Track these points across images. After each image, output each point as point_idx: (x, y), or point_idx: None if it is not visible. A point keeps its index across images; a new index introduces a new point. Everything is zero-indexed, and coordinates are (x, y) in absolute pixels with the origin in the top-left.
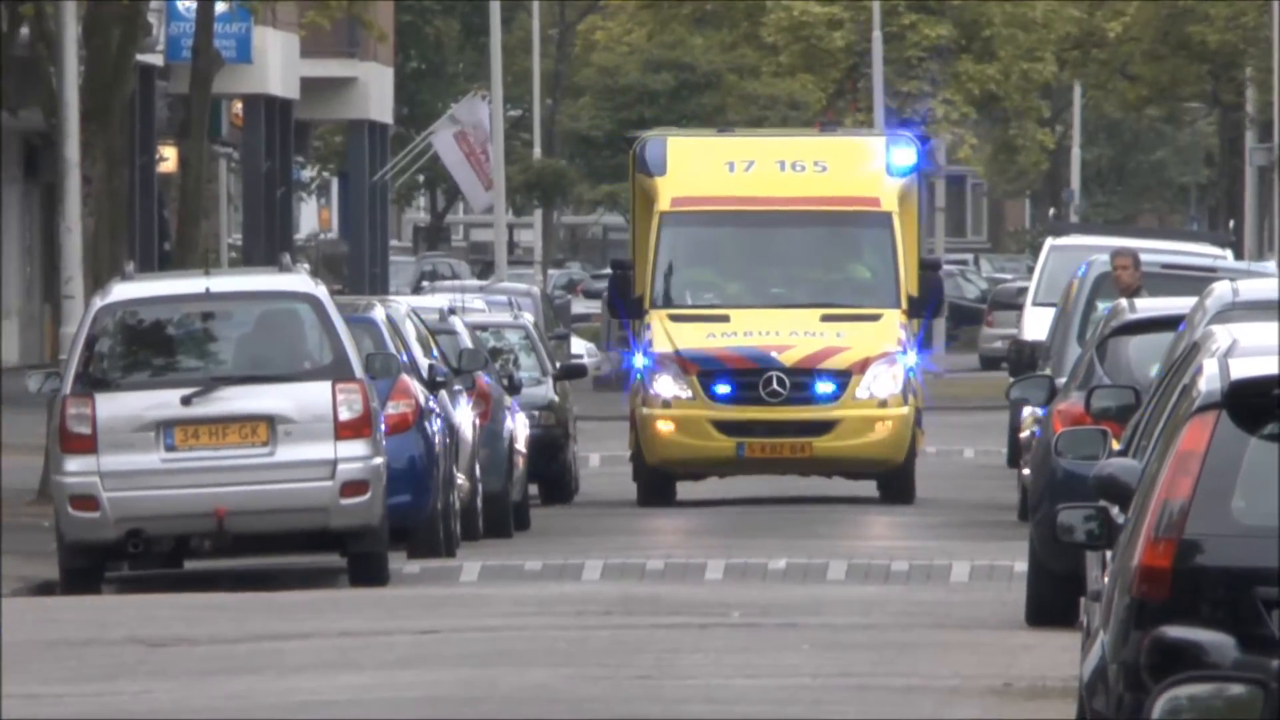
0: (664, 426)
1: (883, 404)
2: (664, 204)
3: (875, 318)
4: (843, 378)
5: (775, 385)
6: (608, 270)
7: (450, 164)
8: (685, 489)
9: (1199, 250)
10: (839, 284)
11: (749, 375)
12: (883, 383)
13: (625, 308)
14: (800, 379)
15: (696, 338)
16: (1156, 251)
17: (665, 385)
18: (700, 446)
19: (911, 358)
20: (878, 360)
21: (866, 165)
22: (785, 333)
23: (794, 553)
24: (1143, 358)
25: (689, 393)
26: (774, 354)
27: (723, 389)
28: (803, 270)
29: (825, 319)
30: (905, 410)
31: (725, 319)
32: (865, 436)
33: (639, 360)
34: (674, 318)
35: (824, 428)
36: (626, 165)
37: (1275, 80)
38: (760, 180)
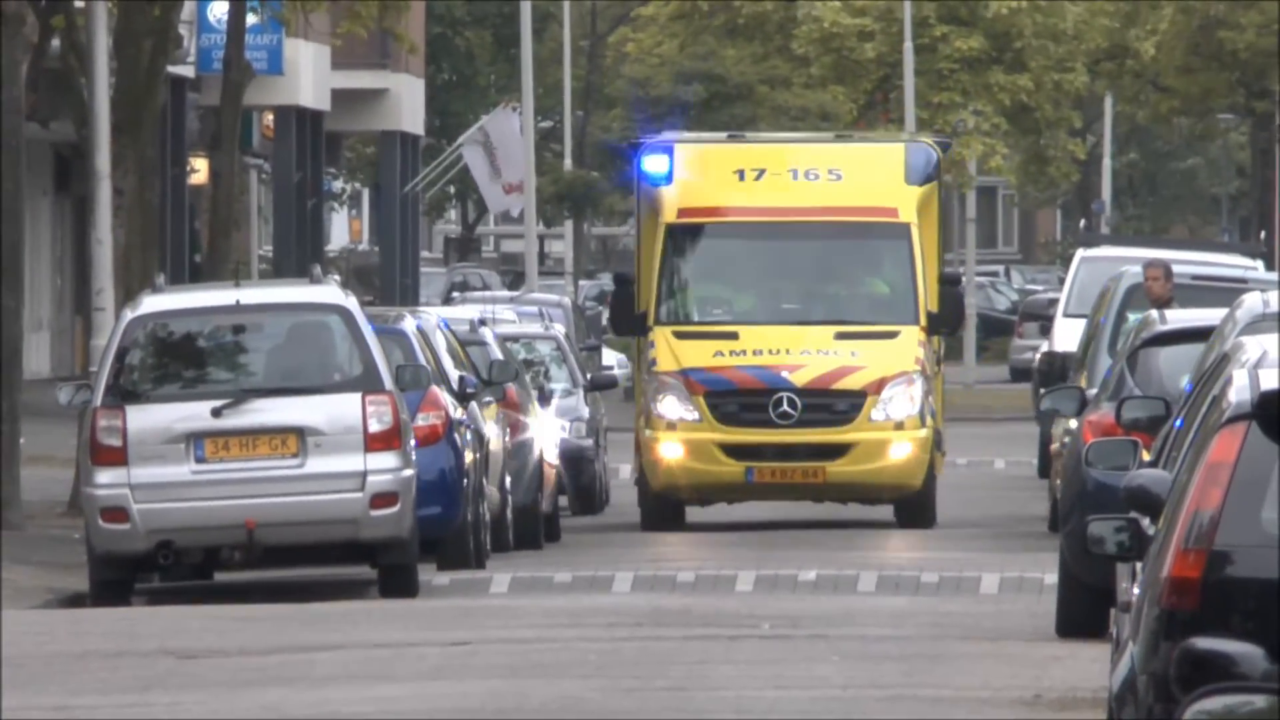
0: (669, 450)
1: (899, 426)
2: (669, 215)
3: (892, 335)
4: (857, 399)
5: (786, 407)
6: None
7: (476, 172)
8: (692, 514)
9: (1230, 261)
10: (854, 299)
11: (758, 396)
12: (900, 404)
13: (628, 324)
14: (812, 400)
15: (703, 356)
16: (1187, 262)
17: (670, 406)
18: (707, 471)
19: (930, 377)
20: (894, 380)
21: (883, 173)
22: (797, 351)
23: (824, 564)
24: (1173, 369)
25: (695, 414)
26: (785, 374)
27: (731, 410)
28: (816, 285)
29: (839, 337)
30: (924, 433)
31: (734, 336)
32: (881, 460)
33: (643, 379)
34: (679, 335)
35: (838, 451)
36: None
37: None
38: (771, 189)
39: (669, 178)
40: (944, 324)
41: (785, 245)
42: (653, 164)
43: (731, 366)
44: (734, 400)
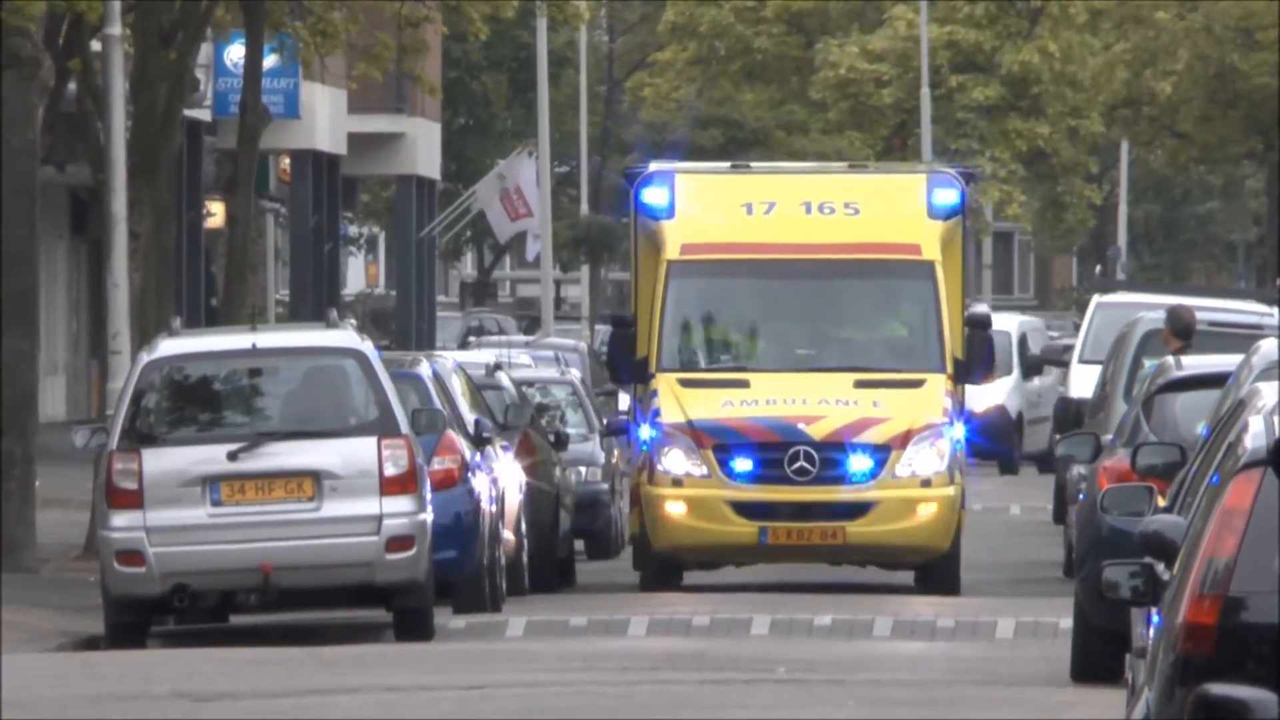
0: (674, 509)
1: (926, 483)
2: (672, 251)
3: (917, 384)
4: (881, 453)
5: (803, 462)
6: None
7: (484, 204)
8: (691, 575)
9: (1246, 308)
10: (875, 344)
11: (772, 450)
12: (926, 459)
13: (627, 371)
14: (831, 455)
15: (711, 406)
16: (1203, 309)
17: (676, 461)
18: (716, 531)
19: (959, 430)
20: (920, 433)
21: (904, 206)
22: (814, 401)
23: (840, 609)
24: (1189, 415)
25: (703, 470)
26: (801, 426)
27: (742, 466)
28: (833, 328)
29: (859, 385)
30: (951, 491)
31: (744, 385)
32: (906, 521)
33: (644, 432)
34: (685, 383)
35: (859, 510)
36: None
37: None
38: (783, 224)
39: (670, 210)
40: (972, 371)
41: (799, 285)
42: (652, 195)
43: (742, 418)
44: (746, 454)
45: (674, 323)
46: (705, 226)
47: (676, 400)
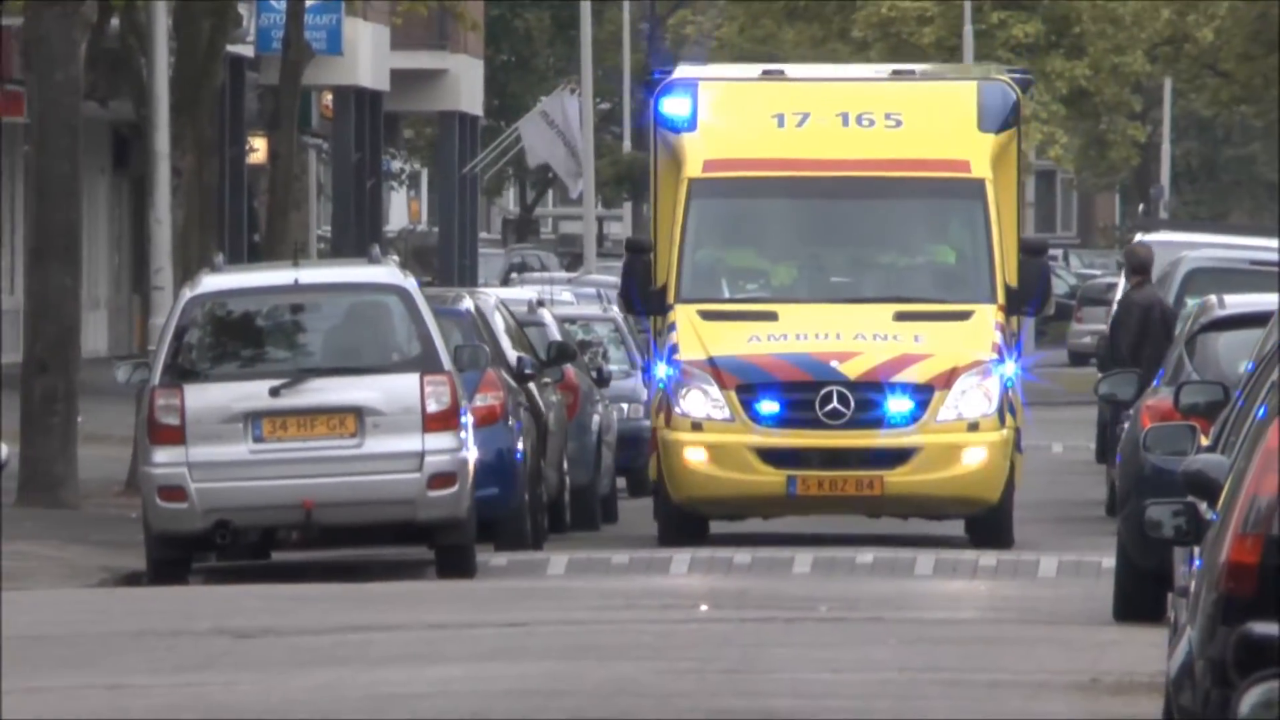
0: (694, 455)
1: (973, 427)
2: (693, 169)
3: (964, 315)
4: (922, 394)
5: (836, 404)
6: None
7: (535, 144)
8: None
9: None
10: (917, 272)
11: (802, 391)
12: (974, 400)
13: (644, 302)
14: (868, 396)
15: (735, 342)
16: (1246, 248)
17: (695, 403)
18: (741, 481)
19: (1010, 367)
20: (967, 371)
21: (953, 118)
22: (849, 335)
23: (881, 547)
24: (1231, 354)
25: (725, 413)
26: (834, 363)
27: (769, 408)
28: (871, 254)
29: (900, 318)
30: (1002, 434)
31: (772, 317)
32: (951, 469)
33: (661, 370)
34: (706, 315)
35: (898, 458)
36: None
37: None
38: (817, 138)
39: (692, 123)
40: (1025, 301)
41: (833, 206)
42: (673, 106)
43: (769, 354)
44: (773, 396)
45: (695, 248)
46: (730, 140)
47: (696, 334)
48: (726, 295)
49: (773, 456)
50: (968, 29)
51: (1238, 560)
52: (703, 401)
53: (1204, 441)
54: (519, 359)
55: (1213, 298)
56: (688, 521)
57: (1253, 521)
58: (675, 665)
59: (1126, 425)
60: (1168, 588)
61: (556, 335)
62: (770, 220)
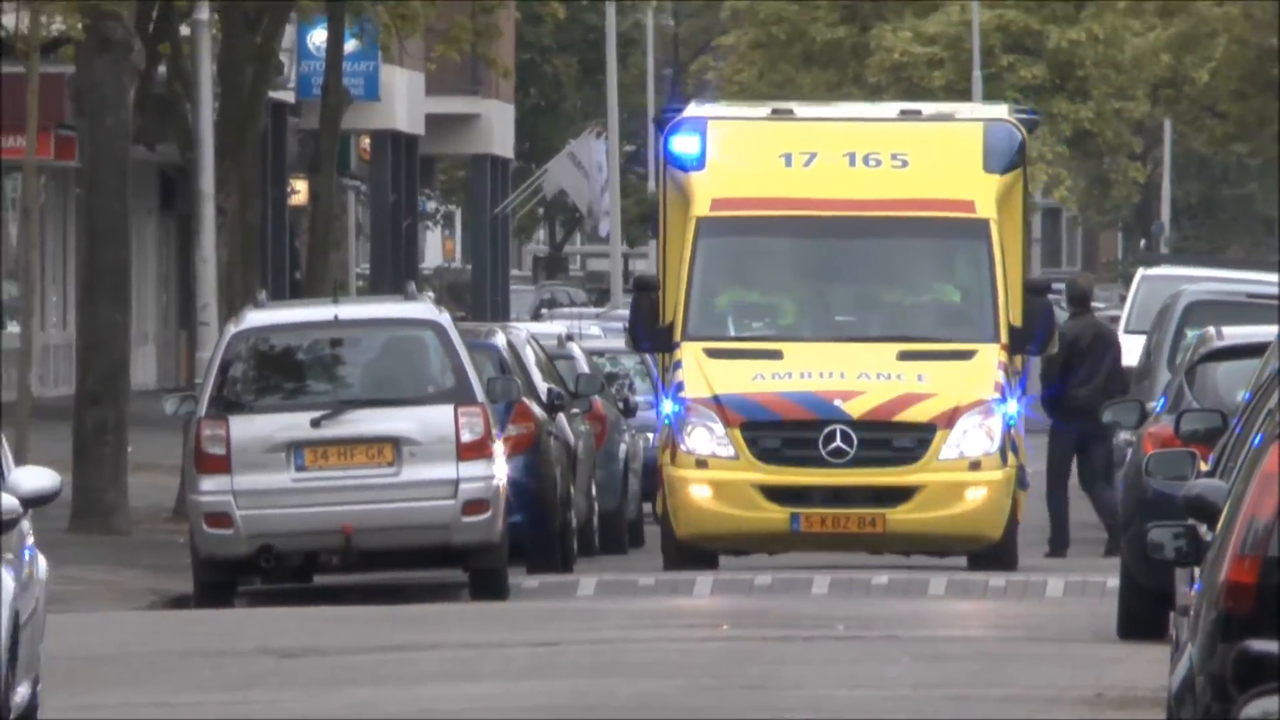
0: (698, 492)
1: (975, 466)
2: (701, 207)
3: (968, 355)
4: (925, 433)
5: (839, 442)
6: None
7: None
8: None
9: None
10: (922, 311)
11: (806, 429)
12: (976, 439)
13: (650, 339)
14: (871, 434)
15: (740, 380)
16: (1244, 281)
17: (700, 440)
18: (744, 518)
19: (1012, 405)
20: (970, 410)
21: (958, 158)
22: (852, 375)
23: (896, 569)
24: (1230, 383)
25: (730, 450)
26: (838, 402)
27: (773, 446)
28: (876, 293)
29: (904, 357)
30: (1004, 473)
31: (777, 355)
32: (953, 507)
33: (667, 406)
34: (711, 353)
35: (901, 496)
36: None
37: None
38: (824, 177)
39: (701, 161)
40: (1029, 340)
41: (839, 245)
42: (682, 144)
43: (774, 393)
44: (777, 434)
45: (702, 286)
46: (738, 179)
47: (702, 372)
48: (732, 333)
49: (776, 494)
50: (976, 74)
51: (1236, 580)
52: (707, 439)
53: (1203, 467)
54: (549, 390)
55: (1211, 329)
56: (693, 558)
57: (1250, 543)
58: (699, 682)
59: (1130, 452)
60: (1169, 607)
61: (585, 368)
62: (777, 259)
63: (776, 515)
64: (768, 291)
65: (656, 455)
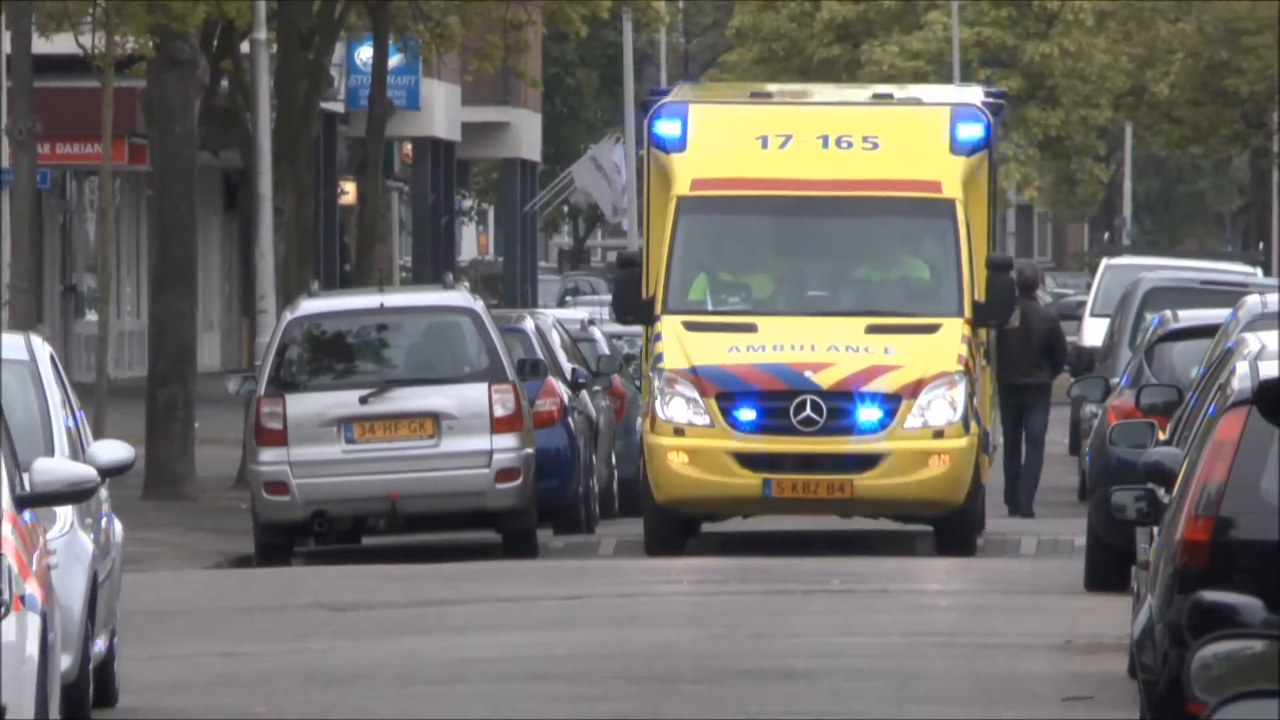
0: (676, 458)
1: (939, 434)
2: (681, 186)
3: (933, 329)
4: (891, 403)
5: (809, 411)
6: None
7: (591, 187)
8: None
9: (1233, 268)
10: (890, 287)
11: (778, 399)
12: (939, 409)
13: (632, 312)
14: (840, 404)
15: (715, 352)
16: (1197, 269)
17: (678, 409)
18: (719, 483)
19: (975, 375)
20: (934, 382)
21: (927, 141)
22: (823, 347)
23: (886, 529)
24: (1185, 361)
25: (706, 419)
26: (808, 373)
27: (746, 415)
28: (846, 269)
29: (871, 330)
30: (965, 441)
31: (751, 329)
32: (917, 473)
33: (648, 376)
34: (690, 326)
35: (868, 462)
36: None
37: None
38: (798, 159)
39: (682, 143)
40: (992, 315)
41: (812, 223)
42: (665, 127)
43: (748, 364)
44: (750, 403)
45: (681, 262)
46: (717, 160)
47: (680, 344)
48: (709, 308)
49: (749, 460)
50: (956, 84)
51: (1191, 538)
52: (684, 408)
53: (1161, 436)
54: (573, 370)
55: (1169, 313)
56: (673, 524)
57: (1204, 504)
58: (710, 631)
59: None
60: (1131, 562)
61: (605, 349)
62: (752, 237)
63: (750, 481)
64: (744, 267)
65: None
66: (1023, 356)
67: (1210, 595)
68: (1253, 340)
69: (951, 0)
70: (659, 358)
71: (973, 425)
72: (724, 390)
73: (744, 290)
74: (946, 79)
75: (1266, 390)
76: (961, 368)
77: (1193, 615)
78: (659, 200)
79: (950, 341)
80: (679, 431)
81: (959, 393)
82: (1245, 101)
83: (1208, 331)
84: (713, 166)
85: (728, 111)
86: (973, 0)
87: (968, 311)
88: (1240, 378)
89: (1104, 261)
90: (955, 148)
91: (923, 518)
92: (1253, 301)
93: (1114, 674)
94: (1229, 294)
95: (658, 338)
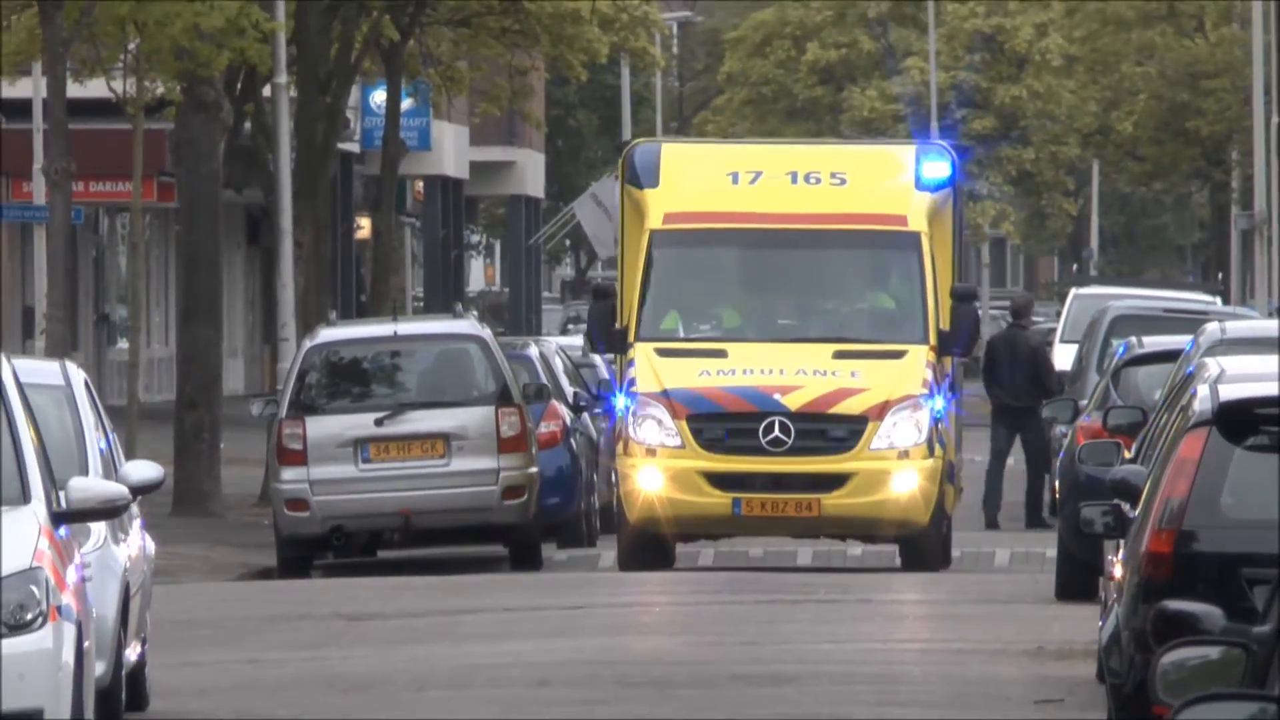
0: (648, 479)
1: (904, 455)
2: (655, 220)
3: (899, 355)
4: (857, 425)
5: (778, 432)
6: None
7: (588, 225)
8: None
9: (1194, 297)
10: (856, 315)
11: (747, 421)
12: (905, 431)
13: (606, 342)
14: (807, 426)
15: (687, 376)
16: (1160, 298)
17: (649, 431)
18: (690, 503)
19: (939, 402)
20: (899, 404)
21: (892, 178)
22: (791, 371)
23: (869, 544)
24: (1149, 384)
25: (677, 440)
26: (777, 396)
27: (716, 436)
28: (815, 299)
29: (839, 356)
30: (930, 463)
31: (721, 354)
32: (882, 493)
33: (620, 402)
34: (662, 352)
35: (835, 482)
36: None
37: (1255, 162)
38: (768, 194)
39: (655, 179)
40: (955, 343)
41: (781, 255)
42: (639, 164)
43: (718, 387)
44: (720, 424)
45: (654, 292)
46: (689, 195)
47: (653, 369)
48: (681, 335)
49: (719, 480)
50: (934, 126)
51: (1155, 550)
52: (656, 430)
53: (1127, 455)
54: (575, 393)
55: (1134, 339)
56: (646, 544)
57: (1167, 518)
58: (703, 638)
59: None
60: (1099, 573)
61: (605, 374)
62: (724, 268)
63: (720, 500)
64: (715, 297)
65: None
66: (1012, 381)
67: (1173, 604)
68: (1213, 364)
69: (928, 46)
70: (631, 382)
71: (938, 448)
72: (695, 412)
73: (715, 319)
74: (924, 120)
75: (1226, 411)
76: (926, 391)
77: (1157, 623)
78: (633, 234)
79: (915, 366)
80: (651, 452)
81: (924, 415)
82: (1205, 140)
83: (1170, 356)
84: (685, 201)
85: (699, 149)
86: (948, 45)
87: (933, 339)
88: (1201, 400)
89: (1073, 291)
90: (920, 184)
91: (888, 538)
92: (1212, 328)
93: (1083, 678)
94: (1190, 321)
95: (631, 364)
